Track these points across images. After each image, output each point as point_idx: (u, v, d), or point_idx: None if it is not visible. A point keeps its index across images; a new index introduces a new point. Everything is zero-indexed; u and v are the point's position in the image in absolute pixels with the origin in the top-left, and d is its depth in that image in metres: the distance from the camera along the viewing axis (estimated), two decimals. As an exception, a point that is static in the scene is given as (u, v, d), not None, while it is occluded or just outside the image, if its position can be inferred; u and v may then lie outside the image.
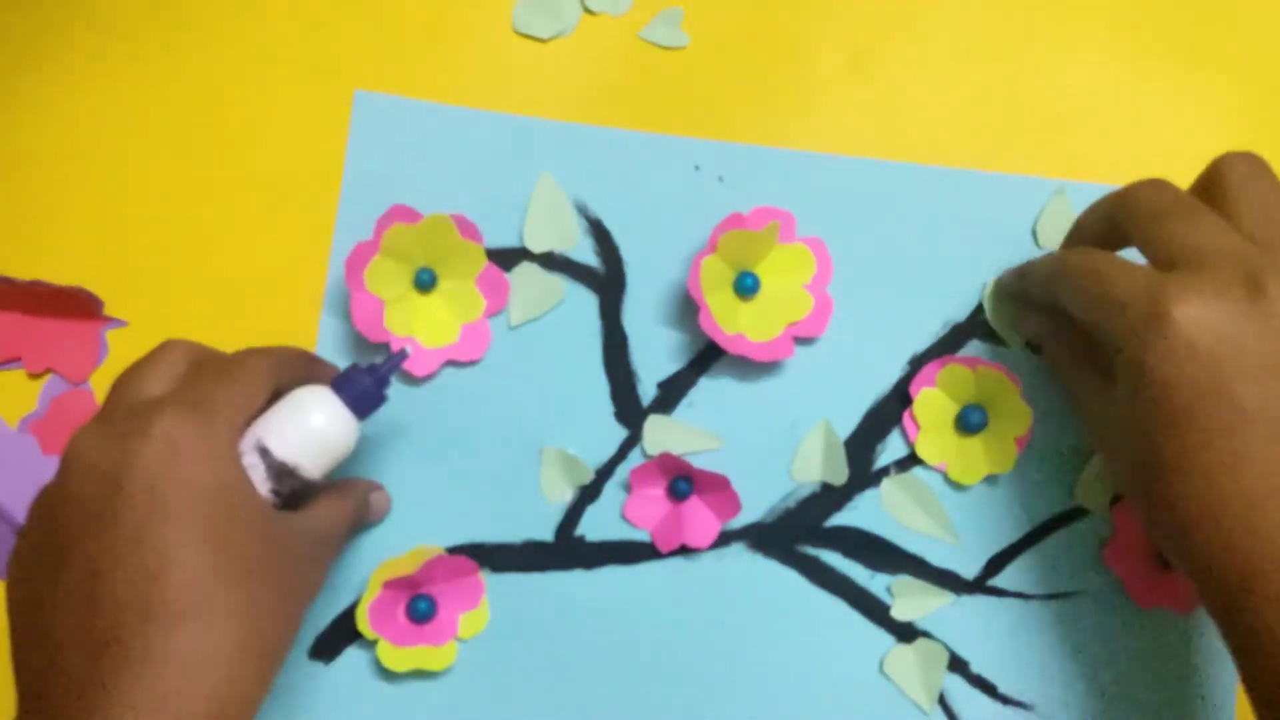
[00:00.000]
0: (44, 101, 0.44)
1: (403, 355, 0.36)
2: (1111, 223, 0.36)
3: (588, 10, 0.44)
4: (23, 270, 0.42)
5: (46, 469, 0.32)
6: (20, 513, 0.41)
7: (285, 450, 0.33)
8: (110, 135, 0.43)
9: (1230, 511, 0.31)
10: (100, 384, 0.42)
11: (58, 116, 0.44)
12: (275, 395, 0.34)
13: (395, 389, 0.41)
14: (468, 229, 0.41)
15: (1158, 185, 0.35)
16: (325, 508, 0.35)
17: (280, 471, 0.33)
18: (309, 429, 0.33)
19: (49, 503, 0.31)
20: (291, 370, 0.35)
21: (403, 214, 0.40)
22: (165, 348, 0.34)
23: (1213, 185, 0.34)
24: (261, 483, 0.32)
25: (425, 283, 0.41)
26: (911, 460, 0.42)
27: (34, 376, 0.42)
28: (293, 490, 0.34)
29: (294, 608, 0.33)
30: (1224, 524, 0.31)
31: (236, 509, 0.30)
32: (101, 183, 0.43)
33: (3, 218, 0.43)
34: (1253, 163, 0.34)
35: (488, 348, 0.42)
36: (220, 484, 0.30)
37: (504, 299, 0.42)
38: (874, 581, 0.42)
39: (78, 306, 0.42)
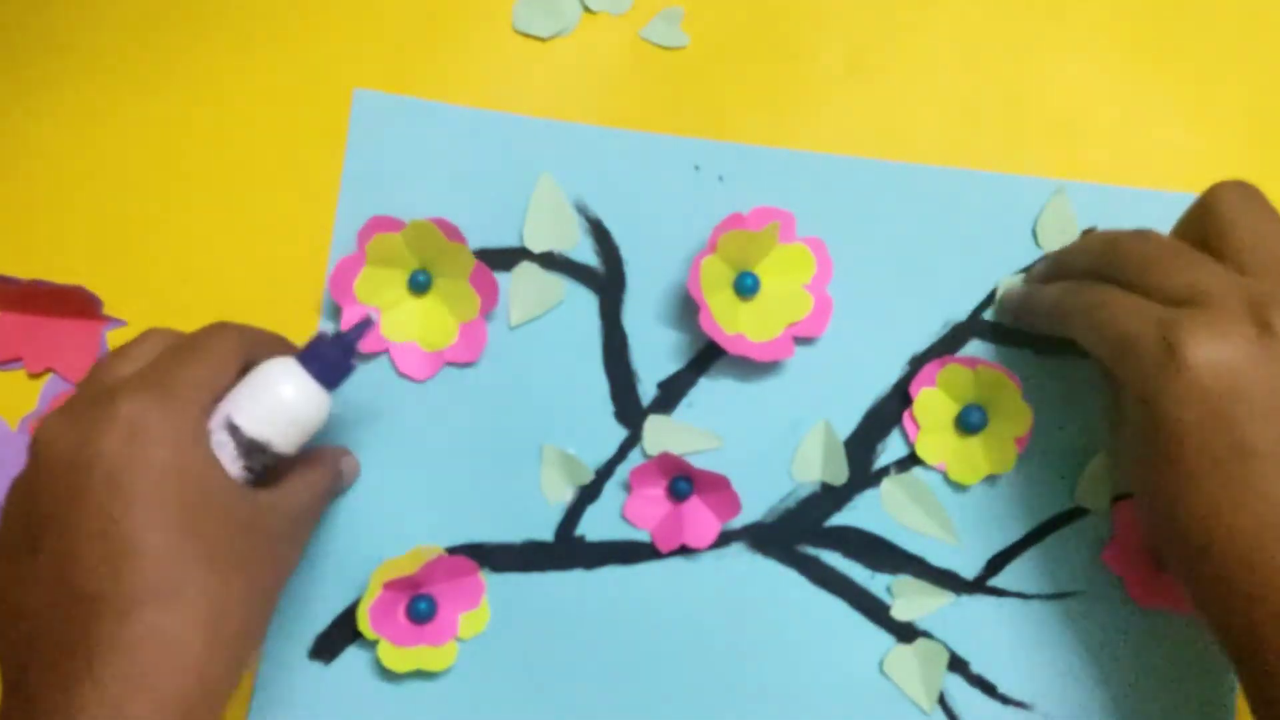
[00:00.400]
0: (44, 101, 0.44)
1: (368, 323, 0.35)
2: (1100, 267, 0.36)
3: (587, 9, 0.44)
4: (23, 269, 0.42)
5: (47, 469, 0.32)
6: (20, 512, 0.41)
7: (255, 427, 0.32)
8: (110, 134, 0.43)
9: (1235, 547, 0.31)
10: (100, 384, 0.42)
11: (57, 116, 0.44)
12: (244, 370, 0.34)
13: (396, 389, 0.41)
14: (451, 231, 0.40)
15: (1145, 234, 0.35)
16: (298, 482, 0.35)
17: (251, 448, 0.32)
18: (278, 404, 0.33)
19: (21, 490, 0.31)
20: (259, 345, 0.34)
21: (383, 224, 0.40)
22: (143, 336, 0.34)
23: (1206, 216, 0.34)
24: (232, 461, 0.32)
25: (421, 284, 0.41)
26: (911, 460, 0.42)
27: (34, 376, 0.42)
28: (265, 466, 0.33)
29: (267, 586, 0.33)
30: (1228, 559, 0.31)
31: (202, 489, 0.30)
32: (101, 182, 0.43)
33: (3, 217, 0.43)
34: (1244, 191, 0.34)
35: (485, 347, 0.42)
36: (185, 464, 0.30)
37: (496, 297, 0.41)
38: (874, 581, 0.42)
39: (78, 306, 0.42)
